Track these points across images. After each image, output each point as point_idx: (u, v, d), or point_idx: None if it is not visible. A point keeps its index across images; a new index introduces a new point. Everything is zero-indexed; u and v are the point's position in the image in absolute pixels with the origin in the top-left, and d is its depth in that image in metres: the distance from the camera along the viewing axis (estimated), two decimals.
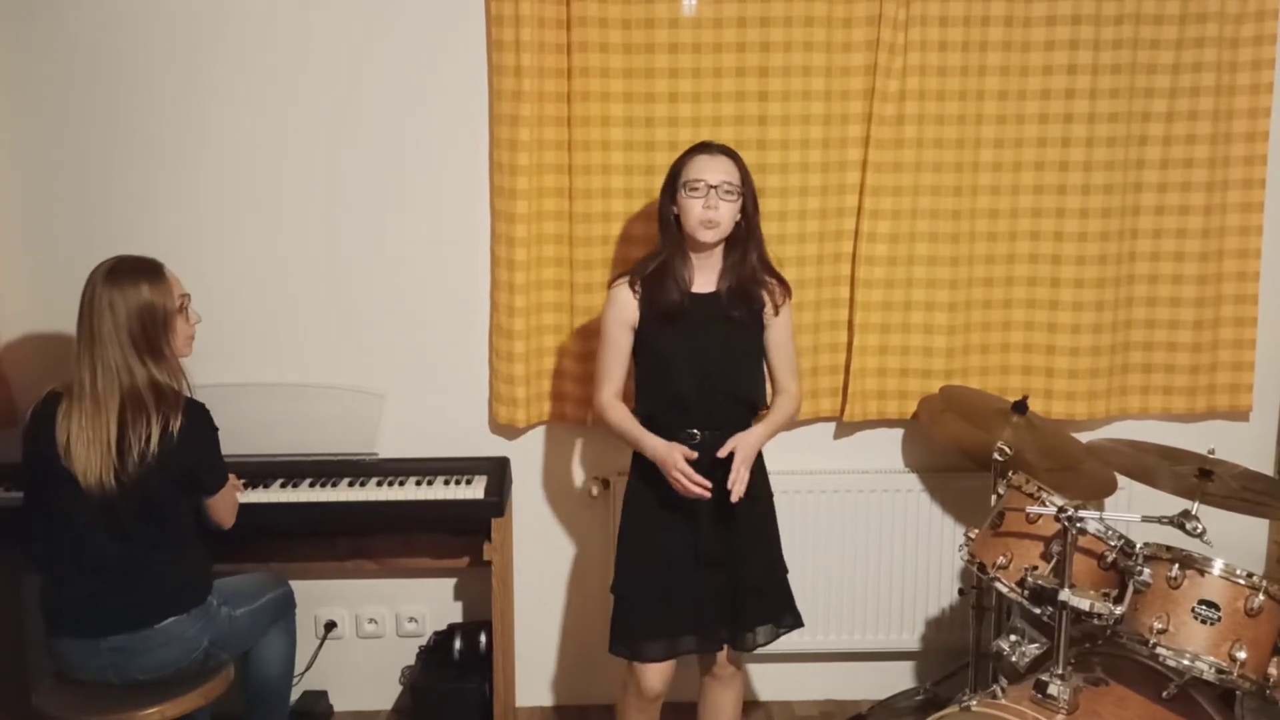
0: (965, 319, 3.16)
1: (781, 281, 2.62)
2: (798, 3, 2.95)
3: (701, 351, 2.52)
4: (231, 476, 2.65)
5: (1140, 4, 3.00)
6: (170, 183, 3.06)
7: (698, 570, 2.54)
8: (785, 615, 2.64)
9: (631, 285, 2.55)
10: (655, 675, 2.58)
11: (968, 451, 3.15)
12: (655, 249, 2.60)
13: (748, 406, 2.60)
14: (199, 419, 2.49)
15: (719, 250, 2.56)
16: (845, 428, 3.27)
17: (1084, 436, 3.06)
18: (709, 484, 2.45)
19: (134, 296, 2.42)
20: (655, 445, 2.51)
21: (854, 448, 3.29)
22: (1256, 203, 3.13)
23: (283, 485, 2.91)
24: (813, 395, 3.18)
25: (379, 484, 2.93)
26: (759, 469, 2.59)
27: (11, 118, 3.01)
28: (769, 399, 2.65)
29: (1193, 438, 3.10)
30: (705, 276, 2.56)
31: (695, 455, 2.48)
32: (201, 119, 3.04)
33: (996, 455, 2.83)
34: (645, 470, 2.57)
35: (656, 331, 2.54)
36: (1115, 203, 3.09)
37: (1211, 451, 2.48)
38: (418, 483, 2.94)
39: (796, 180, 3.04)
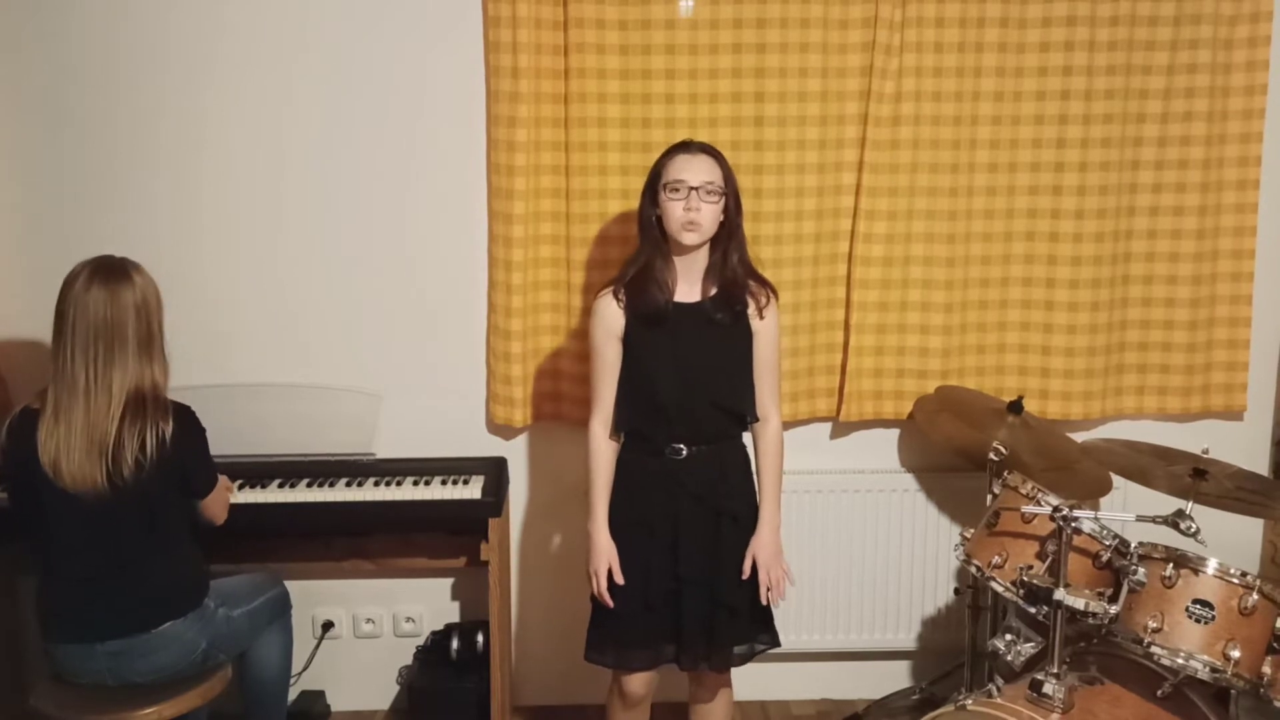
0: (961, 319, 3.17)
1: (765, 283, 2.54)
2: (793, 4, 2.96)
3: (686, 362, 2.45)
4: (223, 478, 2.66)
5: (1135, 5, 3.01)
6: (167, 184, 3.07)
7: (678, 588, 2.49)
8: (762, 634, 2.58)
9: (615, 295, 2.47)
10: (637, 681, 2.57)
11: (963, 451, 3.16)
12: (635, 253, 2.52)
13: (735, 418, 2.52)
14: (188, 422, 2.48)
15: (702, 253, 2.47)
16: (841, 428, 3.27)
17: (1079, 436, 3.07)
18: (610, 602, 2.47)
19: (129, 294, 2.41)
20: (598, 533, 2.49)
21: (850, 448, 3.29)
22: (1251, 203, 3.15)
23: (280, 485, 2.91)
24: (809, 395, 3.19)
25: (376, 484, 2.94)
26: (745, 488, 2.56)
27: (9, 119, 3.01)
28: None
29: (1188, 438, 3.09)
30: (688, 283, 2.48)
31: (621, 581, 2.47)
32: (199, 121, 3.04)
33: (992, 455, 2.84)
34: (630, 485, 2.53)
35: (641, 339, 2.46)
36: (1110, 203, 3.10)
37: (1205, 451, 2.49)
38: (415, 483, 2.95)
39: (792, 181, 3.05)
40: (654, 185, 2.46)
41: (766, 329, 2.52)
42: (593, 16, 2.93)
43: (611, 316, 2.47)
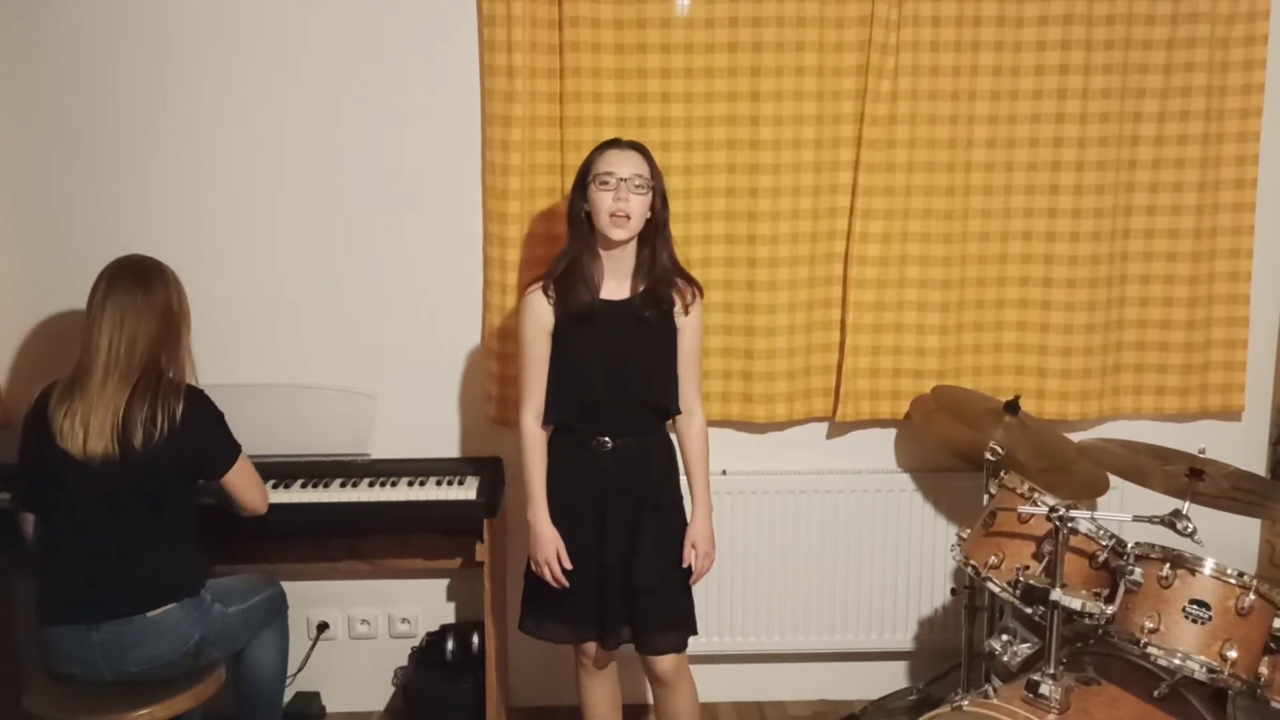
0: (957, 319, 3.16)
1: (691, 281, 2.59)
2: (789, 3, 2.95)
3: (615, 357, 2.50)
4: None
5: (1132, 4, 3.01)
6: (165, 184, 3.06)
7: (601, 572, 2.55)
8: (686, 621, 2.63)
9: (545, 290, 2.51)
10: (591, 649, 2.64)
11: (960, 451, 3.16)
12: (564, 249, 2.55)
13: (660, 413, 2.59)
14: (200, 402, 2.54)
15: (630, 249, 2.52)
16: (838, 428, 3.27)
17: (1076, 436, 3.06)
18: (566, 583, 2.53)
19: (163, 294, 2.53)
20: (541, 523, 2.54)
21: (847, 448, 3.29)
22: (1248, 203, 3.14)
23: (275, 486, 2.89)
24: (805, 395, 3.18)
25: (371, 485, 2.93)
26: (668, 477, 2.61)
27: (6, 118, 3.00)
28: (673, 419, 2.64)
29: (1185, 437, 3.09)
30: (617, 280, 2.53)
31: (570, 566, 2.52)
32: (196, 118, 3.04)
33: (989, 455, 2.84)
34: (557, 476, 2.57)
35: (570, 336, 2.51)
36: (1107, 203, 3.09)
37: (1202, 451, 2.49)
38: (410, 483, 2.94)
39: (789, 181, 3.04)
40: (583, 180, 2.50)
41: (690, 325, 2.58)
42: (588, 15, 2.93)
43: (542, 312, 2.52)
